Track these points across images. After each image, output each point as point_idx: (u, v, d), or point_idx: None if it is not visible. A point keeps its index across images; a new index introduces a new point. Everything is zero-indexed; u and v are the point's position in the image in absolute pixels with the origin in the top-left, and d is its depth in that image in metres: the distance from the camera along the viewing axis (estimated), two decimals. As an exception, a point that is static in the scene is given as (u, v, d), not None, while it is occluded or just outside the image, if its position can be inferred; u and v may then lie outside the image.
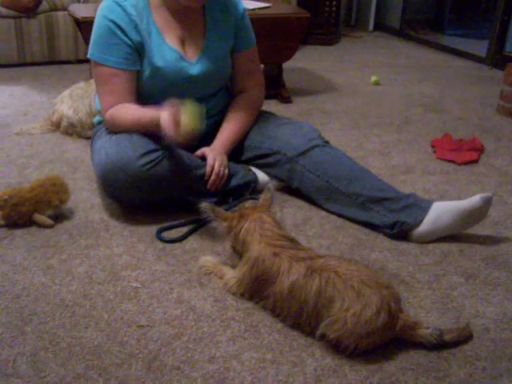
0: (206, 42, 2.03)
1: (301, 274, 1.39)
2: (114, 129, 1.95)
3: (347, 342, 1.32)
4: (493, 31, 4.49)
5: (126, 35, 1.89)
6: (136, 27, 1.90)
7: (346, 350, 1.34)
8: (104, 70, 1.91)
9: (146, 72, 1.95)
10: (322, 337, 1.36)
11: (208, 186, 1.94)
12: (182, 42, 1.99)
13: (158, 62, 1.93)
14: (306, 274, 1.39)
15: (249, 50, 2.16)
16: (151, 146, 1.86)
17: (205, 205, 1.58)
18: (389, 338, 1.36)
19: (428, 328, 1.37)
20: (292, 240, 1.53)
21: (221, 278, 1.61)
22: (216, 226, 1.60)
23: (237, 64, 2.14)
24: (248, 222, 1.53)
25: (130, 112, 1.91)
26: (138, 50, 1.92)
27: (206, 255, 1.73)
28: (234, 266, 1.60)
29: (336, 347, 1.35)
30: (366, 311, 1.30)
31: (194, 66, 2.00)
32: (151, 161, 1.84)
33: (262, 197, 1.63)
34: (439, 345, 1.37)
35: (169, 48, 1.96)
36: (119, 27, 1.88)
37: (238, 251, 1.56)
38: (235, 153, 2.14)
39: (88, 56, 1.95)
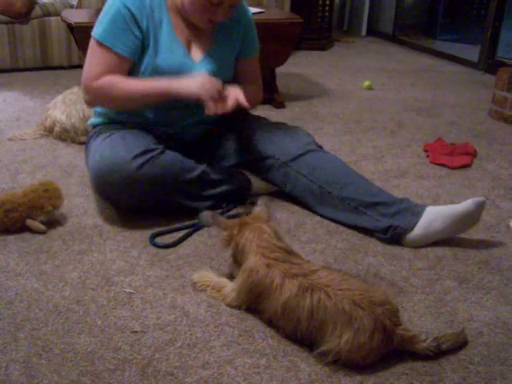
0: (212, 45, 2.04)
1: (292, 293, 1.37)
2: (105, 99, 1.95)
3: (344, 363, 1.32)
4: (485, 36, 4.52)
5: (137, 24, 1.89)
6: (148, 15, 1.90)
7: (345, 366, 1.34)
8: (102, 48, 1.89)
9: (148, 66, 1.94)
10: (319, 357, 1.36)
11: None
12: (189, 44, 2.00)
13: (164, 55, 1.94)
14: (297, 293, 1.36)
15: (250, 59, 2.15)
16: (145, 147, 1.87)
17: (204, 214, 1.56)
18: (387, 352, 1.35)
19: (425, 341, 1.35)
20: (289, 252, 1.51)
21: (218, 291, 1.58)
22: (217, 235, 1.58)
23: (238, 69, 2.14)
24: (248, 231, 1.52)
25: (136, 80, 1.91)
26: (144, 43, 1.92)
27: (199, 270, 1.67)
28: (233, 276, 1.58)
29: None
30: (359, 336, 1.29)
31: (198, 66, 2.00)
32: (145, 162, 1.84)
33: (258, 211, 1.61)
34: (436, 355, 1.36)
35: (177, 42, 1.97)
36: (133, 15, 1.87)
37: (238, 261, 1.54)
38: (228, 156, 2.15)
39: (92, 33, 1.92)
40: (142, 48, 1.93)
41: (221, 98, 1.86)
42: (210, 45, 2.03)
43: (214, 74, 1.99)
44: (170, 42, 1.95)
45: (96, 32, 1.90)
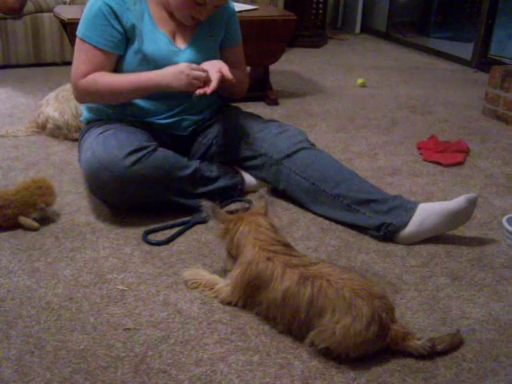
0: (195, 34, 2.07)
1: (293, 282, 1.37)
2: (92, 95, 1.99)
3: (336, 352, 1.32)
4: (478, 34, 4.53)
5: (118, 18, 1.92)
6: (128, 9, 1.94)
7: (336, 359, 1.34)
8: (86, 46, 1.94)
9: (135, 58, 1.97)
10: (311, 345, 1.36)
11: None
12: (173, 34, 2.04)
13: (149, 45, 1.97)
14: (298, 281, 1.37)
15: (234, 48, 2.20)
16: (137, 144, 1.87)
17: (206, 203, 1.55)
18: (379, 348, 1.35)
19: (420, 339, 1.35)
20: (287, 245, 1.51)
21: (211, 288, 1.57)
22: (213, 227, 1.58)
23: (223, 57, 2.15)
24: (243, 224, 1.52)
25: (119, 75, 1.97)
26: (128, 36, 1.96)
27: (190, 268, 1.68)
28: (228, 270, 1.58)
29: (325, 355, 1.35)
30: (356, 324, 1.29)
31: (183, 53, 2.03)
32: (137, 160, 1.84)
33: (257, 204, 1.60)
34: (430, 355, 1.36)
35: (159, 32, 2.00)
36: (113, 11, 1.92)
37: (232, 255, 1.54)
38: (221, 154, 2.15)
39: (76, 33, 1.97)
40: (127, 40, 1.97)
41: (205, 81, 1.91)
42: (192, 34, 2.07)
43: (200, 61, 2.01)
44: (153, 33, 1.99)
45: (79, 31, 1.96)
